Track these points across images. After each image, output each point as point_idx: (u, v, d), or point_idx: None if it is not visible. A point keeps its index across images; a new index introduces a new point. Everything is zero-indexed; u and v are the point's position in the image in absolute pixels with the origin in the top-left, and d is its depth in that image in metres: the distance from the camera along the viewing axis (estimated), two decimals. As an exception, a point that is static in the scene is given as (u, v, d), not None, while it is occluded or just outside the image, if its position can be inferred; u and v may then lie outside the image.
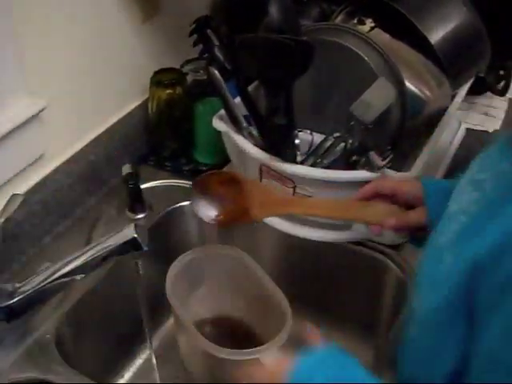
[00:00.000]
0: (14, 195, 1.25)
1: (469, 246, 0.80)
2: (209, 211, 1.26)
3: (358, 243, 1.42)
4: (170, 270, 1.25)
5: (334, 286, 1.51)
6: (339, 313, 1.54)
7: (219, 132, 1.47)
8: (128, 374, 1.46)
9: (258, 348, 1.11)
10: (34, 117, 1.31)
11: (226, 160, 1.59)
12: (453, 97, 1.58)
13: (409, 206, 1.14)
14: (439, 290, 0.85)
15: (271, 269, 1.52)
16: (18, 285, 1.17)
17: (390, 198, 1.16)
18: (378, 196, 1.17)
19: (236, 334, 1.33)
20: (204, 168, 1.64)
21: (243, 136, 1.41)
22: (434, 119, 1.49)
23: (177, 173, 1.63)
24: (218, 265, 1.31)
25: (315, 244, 1.41)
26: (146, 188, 1.54)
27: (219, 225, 1.26)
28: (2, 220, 1.20)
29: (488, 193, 0.85)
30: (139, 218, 1.47)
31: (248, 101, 1.41)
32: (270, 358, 1.07)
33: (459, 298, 0.81)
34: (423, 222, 1.12)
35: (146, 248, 1.12)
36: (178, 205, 1.54)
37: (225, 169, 1.60)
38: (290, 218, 1.41)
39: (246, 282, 1.26)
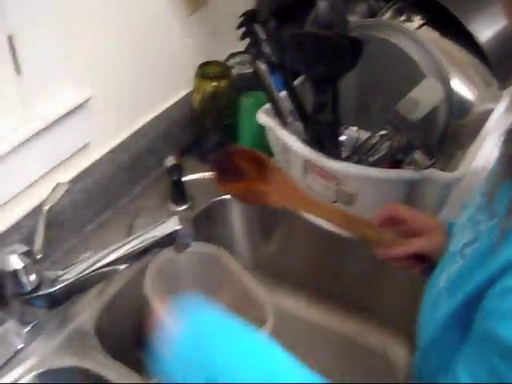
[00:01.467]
0: (59, 184, 1.25)
1: (460, 291, 0.79)
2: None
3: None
4: (149, 268, 1.25)
5: (371, 285, 1.49)
6: (376, 312, 1.53)
7: (263, 126, 1.47)
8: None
9: None
10: (81, 106, 1.32)
11: (269, 155, 1.58)
12: (500, 97, 1.56)
13: (414, 234, 1.14)
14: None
15: (308, 264, 1.52)
16: (60, 272, 1.17)
17: (401, 224, 1.15)
18: (391, 220, 1.16)
19: None
20: (247, 162, 1.63)
21: (288, 131, 1.40)
22: (481, 119, 1.47)
23: (220, 166, 1.62)
24: (197, 263, 1.30)
25: (355, 241, 1.39)
26: (188, 180, 1.54)
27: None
28: (47, 208, 1.21)
29: (482, 236, 0.82)
30: (181, 210, 1.48)
31: (294, 96, 1.40)
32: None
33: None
34: (430, 249, 1.11)
35: (189, 241, 1.12)
36: (220, 198, 1.54)
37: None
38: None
39: (226, 280, 1.25)
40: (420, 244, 1.13)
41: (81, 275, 1.15)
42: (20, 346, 1.18)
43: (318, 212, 1.24)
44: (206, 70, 1.58)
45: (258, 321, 1.19)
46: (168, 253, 1.26)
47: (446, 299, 0.84)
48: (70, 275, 1.15)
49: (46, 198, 1.23)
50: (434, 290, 0.88)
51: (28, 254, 1.13)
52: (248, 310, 1.27)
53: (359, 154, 1.38)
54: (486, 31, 1.47)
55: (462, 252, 0.80)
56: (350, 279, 1.50)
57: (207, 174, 1.60)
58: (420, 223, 1.14)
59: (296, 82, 1.48)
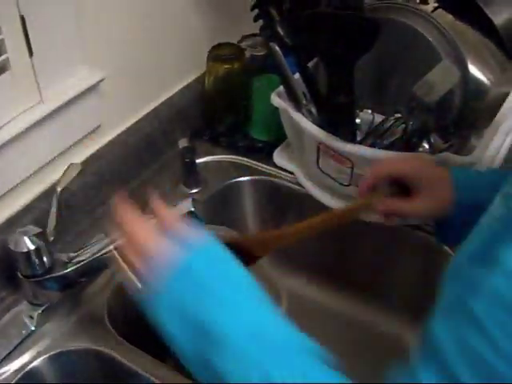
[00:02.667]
0: (71, 164, 1.25)
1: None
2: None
3: (415, 227, 1.40)
4: None
5: (386, 269, 1.49)
6: (389, 297, 1.52)
7: (276, 109, 1.46)
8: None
9: None
10: (93, 87, 1.31)
11: (282, 137, 1.57)
12: (516, 82, 1.54)
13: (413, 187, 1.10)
14: None
15: (320, 247, 1.51)
16: (72, 255, 1.17)
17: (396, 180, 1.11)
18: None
19: None
20: (260, 145, 1.63)
21: (302, 113, 1.39)
22: (497, 104, 1.46)
23: (232, 148, 1.62)
24: None
25: (370, 226, 1.38)
26: (201, 163, 1.53)
27: None
28: (60, 189, 1.20)
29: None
30: (193, 193, 1.47)
31: (308, 78, 1.39)
32: None
33: None
34: (420, 214, 1.10)
35: (203, 223, 1.11)
36: (233, 180, 1.54)
37: (280, 147, 1.58)
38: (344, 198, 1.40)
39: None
40: (406, 207, 1.10)
41: (93, 257, 1.14)
42: (32, 328, 1.18)
43: (298, 235, 1.15)
44: (218, 52, 1.57)
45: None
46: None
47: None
48: (83, 257, 1.15)
49: (59, 180, 1.22)
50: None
51: (40, 236, 1.13)
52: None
53: (374, 136, 1.37)
54: (502, 14, 1.45)
55: (491, 225, 0.77)
56: (362, 262, 1.50)
57: (219, 157, 1.59)
58: (409, 176, 1.10)
59: (310, 64, 1.47)
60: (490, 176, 1.09)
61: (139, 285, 0.85)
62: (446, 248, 1.35)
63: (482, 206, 0.98)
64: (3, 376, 1.12)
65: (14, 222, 1.22)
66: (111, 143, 1.44)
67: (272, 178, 1.54)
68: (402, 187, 1.12)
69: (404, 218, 1.15)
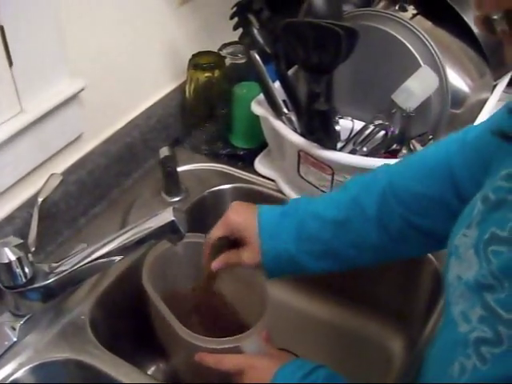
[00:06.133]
0: (52, 175, 1.25)
1: None
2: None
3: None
4: (147, 258, 1.25)
5: (369, 276, 1.49)
6: (373, 303, 1.53)
7: (257, 116, 1.46)
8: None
9: (237, 336, 1.12)
10: (73, 97, 1.31)
11: (263, 145, 1.58)
12: (494, 87, 1.55)
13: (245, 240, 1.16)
14: None
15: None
16: (54, 265, 1.16)
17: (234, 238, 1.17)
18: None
19: (219, 317, 1.33)
20: (241, 153, 1.63)
21: (282, 121, 1.39)
22: (476, 109, 1.47)
23: (213, 156, 1.62)
24: (193, 253, 1.30)
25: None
26: (182, 171, 1.53)
27: None
28: (41, 199, 1.20)
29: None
30: (175, 201, 1.47)
31: (288, 86, 1.40)
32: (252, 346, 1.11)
33: None
34: (257, 261, 1.14)
35: (184, 232, 1.11)
36: (214, 188, 1.53)
37: (261, 154, 1.59)
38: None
39: (223, 270, 1.24)
40: (246, 257, 1.15)
41: (75, 267, 1.14)
42: (14, 339, 1.17)
43: None
44: (199, 60, 1.57)
45: (256, 310, 1.19)
46: (164, 244, 1.25)
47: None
48: (65, 267, 1.15)
49: (40, 190, 1.22)
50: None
51: (22, 247, 1.12)
52: (246, 300, 1.27)
53: (354, 143, 1.37)
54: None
55: (486, 250, 0.78)
56: (347, 270, 1.50)
57: (201, 165, 1.59)
58: (241, 228, 1.16)
59: (290, 72, 1.48)
60: (292, 216, 1.14)
61: None
62: (430, 256, 1.35)
63: (287, 253, 1.11)
64: (-15, 388, 1.11)
65: (-5, 232, 1.22)
66: (92, 153, 1.43)
67: (253, 186, 1.54)
68: (232, 240, 1.18)
69: (235, 266, 1.20)
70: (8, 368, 1.14)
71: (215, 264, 1.17)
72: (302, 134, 1.36)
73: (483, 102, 1.49)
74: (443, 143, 1.06)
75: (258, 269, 1.15)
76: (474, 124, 1.40)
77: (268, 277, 1.17)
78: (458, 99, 1.44)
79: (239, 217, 1.16)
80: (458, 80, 1.46)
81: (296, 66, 1.52)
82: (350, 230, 1.08)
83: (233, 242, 1.17)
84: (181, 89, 1.64)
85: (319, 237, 1.10)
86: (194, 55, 1.58)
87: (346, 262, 1.12)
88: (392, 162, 1.26)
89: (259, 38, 1.37)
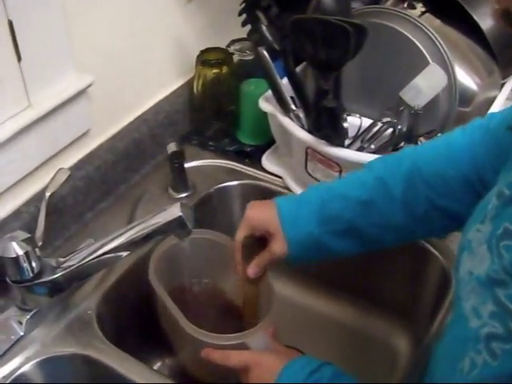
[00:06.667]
0: (60, 169, 1.25)
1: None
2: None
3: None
4: (154, 254, 1.25)
5: (375, 273, 1.49)
6: (379, 300, 1.53)
7: (264, 113, 1.46)
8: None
9: (244, 332, 1.12)
10: (82, 92, 1.31)
11: (270, 141, 1.58)
12: (502, 85, 1.55)
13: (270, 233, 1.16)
14: None
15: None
16: (61, 259, 1.17)
17: (260, 236, 1.18)
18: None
19: (226, 313, 1.34)
20: (248, 149, 1.63)
21: (290, 118, 1.39)
22: (484, 107, 1.47)
23: (220, 153, 1.62)
24: (200, 249, 1.30)
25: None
26: (189, 167, 1.53)
27: None
28: (49, 194, 1.20)
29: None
30: (182, 197, 1.47)
31: (296, 82, 1.40)
32: (258, 342, 1.11)
33: None
34: (286, 250, 1.14)
35: (191, 227, 1.11)
36: (221, 185, 1.53)
37: (269, 151, 1.59)
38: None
39: (230, 266, 1.24)
40: (276, 249, 1.15)
41: (83, 262, 1.14)
42: (21, 334, 1.17)
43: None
44: (207, 57, 1.57)
45: (262, 307, 1.19)
46: (171, 239, 1.25)
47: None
48: (72, 262, 1.15)
49: (48, 185, 1.22)
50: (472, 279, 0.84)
51: (29, 241, 1.12)
52: (250, 295, 1.27)
53: (361, 141, 1.37)
54: (488, 19, 1.46)
55: (499, 245, 0.78)
56: (352, 266, 1.50)
57: (208, 162, 1.59)
58: (265, 223, 1.16)
59: (298, 69, 1.47)
60: (312, 201, 1.14)
61: None
62: (436, 253, 1.35)
63: (309, 235, 1.11)
64: (-8, 382, 1.12)
65: (3, 227, 1.22)
66: (99, 148, 1.43)
67: (260, 183, 1.54)
68: (257, 237, 1.18)
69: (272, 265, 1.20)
70: (15, 362, 1.14)
71: (252, 270, 1.17)
72: (309, 131, 1.36)
73: (491, 101, 1.49)
74: (468, 128, 1.07)
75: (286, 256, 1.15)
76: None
77: (295, 262, 1.16)
78: (466, 97, 1.44)
79: (259, 213, 1.17)
80: (466, 78, 1.45)
81: (304, 63, 1.52)
82: (375, 209, 1.08)
83: (260, 241, 1.17)
84: (188, 85, 1.64)
85: (342, 216, 1.10)
86: (202, 51, 1.58)
87: (369, 242, 1.13)
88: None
89: (267, 35, 1.37)
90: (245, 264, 1.18)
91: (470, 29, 1.45)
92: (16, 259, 1.11)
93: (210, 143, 1.64)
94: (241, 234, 1.17)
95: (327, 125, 1.30)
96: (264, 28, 1.38)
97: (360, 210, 1.09)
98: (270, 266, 1.19)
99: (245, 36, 1.46)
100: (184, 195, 1.48)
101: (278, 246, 1.13)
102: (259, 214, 1.16)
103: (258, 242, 1.18)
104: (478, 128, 1.05)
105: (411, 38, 1.38)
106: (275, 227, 1.13)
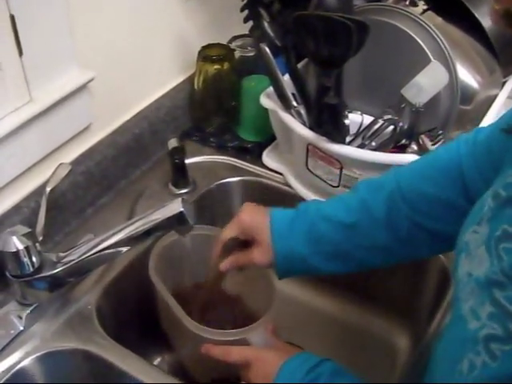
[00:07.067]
0: (61, 164, 1.25)
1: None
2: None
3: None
4: (154, 249, 1.25)
5: (375, 272, 1.48)
6: (379, 298, 1.53)
7: (265, 109, 1.46)
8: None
9: (244, 328, 1.12)
10: (83, 87, 1.31)
11: (271, 138, 1.58)
12: (503, 84, 1.55)
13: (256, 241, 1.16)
14: None
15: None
16: (61, 254, 1.17)
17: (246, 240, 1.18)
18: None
19: (226, 310, 1.34)
20: (249, 145, 1.62)
21: (291, 114, 1.39)
22: (485, 106, 1.47)
23: (221, 149, 1.62)
24: (201, 245, 1.30)
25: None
26: (190, 163, 1.53)
27: None
28: (49, 189, 1.20)
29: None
30: (182, 193, 1.47)
31: (297, 79, 1.39)
32: (259, 338, 1.11)
33: None
34: (268, 261, 1.14)
35: (192, 223, 1.11)
36: (222, 181, 1.53)
37: (269, 147, 1.59)
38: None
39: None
40: (256, 257, 1.15)
41: (83, 257, 1.14)
42: (21, 328, 1.17)
43: None
44: (208, 53, 1.57)
45: (263, 304, 1.19)
46: (172, 235, 1.25)
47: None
48: (72, 257, 1.15)
49: (49, 180, 1.22)
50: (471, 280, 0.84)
51: (29, 236, 1.12)
52: (252, 293, 1.27)
53: (363, 138, 1.37)
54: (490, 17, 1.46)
55: (498, 247, 0.78)
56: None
57: (209, 158, 1.59)
58: (254, 227, 1.16)
59: (299, 66, 1.47)
60: (304, 219, 1.14)
61: None
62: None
63: (298, 253, 1.11)
64: (-9, 376, 1.12)
65: (3, 221, 1.22)
66: (100, 143, 1.43)
67: (261, 179, 1.54)
68: (242, 241, 1.18)
69: (243, 268, 1.21)
70: (14, 356, 1.14)
71: (224, 265, 1.17)
72: (310, 128, 1.35)
73: (492, 99, 1.49)
74: (454, 145, 1.06)
75: (267, 269, 1.16)
76: (483, 122, 1.41)
77: (279, 277, 1.17)
78: (467, 95, 1.44)
79: (251, 217, 1.16)
80: (467, 76, 1.45)
81: (306, 60, 1.52)
82: (360, 232, 1.08)
83: (243, 243, 1.17)
84: (190, 81, 1.64)
85: (330, 238, 1.10)
86: (203, 47, 1.58)
87: (356, 264, 1.13)
88: (401, 157, 1.26)
89: (269, 31, 1.37)
90: (220, 260, 1.18)
91: (472, 27, 1.45)
92: (16, 254, 1.11)
93: (211, 139, 1.64)
94: (228, 233, 1.17)
95: (328, 121, 1.30)
96: (266, 24, 1.37)
97: (346, 232, 1.09)
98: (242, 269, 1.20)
99: (246, 32, 1.45)
100: (184, 191, 1.48)
101: (260, 256, 1.14)
102: (251, 219, 1.16)
103: (240, 245, 1.18)
104: (464, 142, 1.04)
105: (413, 35, 1.38)
106: (263, 237, 1.13)
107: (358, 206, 1.09)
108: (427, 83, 1.31)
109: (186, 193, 1.47)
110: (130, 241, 1.14)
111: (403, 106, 1.32)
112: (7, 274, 1.15)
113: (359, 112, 1.43)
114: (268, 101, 1.44)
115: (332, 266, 1.12)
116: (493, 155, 0.94)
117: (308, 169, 1.41)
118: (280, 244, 1.12)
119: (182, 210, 1.09)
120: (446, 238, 0.98)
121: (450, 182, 1.02)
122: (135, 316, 1.37)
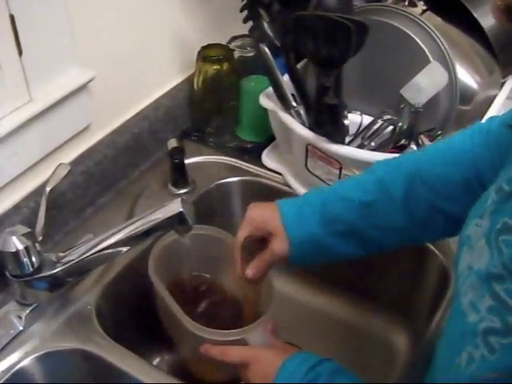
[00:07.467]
0: (60, 164, 1.25)
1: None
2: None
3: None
4: (154, 249, 1.25)
5: (374, 271, 1.49)
6: (378, 297, 1.53)
7: (265, 110, 1.46)
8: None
9: (243, 328, 1.12)
10: (83, 87, 1.31)
11: (270, 138, 1.58)
12: (502, 84, 1.55)
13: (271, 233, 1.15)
14: None
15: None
16: (61, 254, 1.17)
17: (261, 237, 1.17)
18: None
19: (225, 310, 1.33)
20: (248, 146, 1.63)
21: (290, 115, 1.39)
22: (484, 106, 1.47)
23: (220, 149, 1.62)
24: (200, 245, 1.30)
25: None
26: (189, 163, 1.53)
27: None
28: (49, 189, 1.20)
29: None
30: (182, 193, 1.47)
31: (297, 79, 1.39)
32: (257, 338, 1.11)
33: None
34: (287, 249, 1.14)
35: (192, 223, 1.11)
36: (221, 181, 1.53)
37: (269, 148, 1.59)
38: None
39: (229, 262, 1.23)
40: (277, 248, 1.15)
41: (82, 257, 1.14)
42: (20, 328, 1.17)
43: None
44: (208, 53, 1.57)
45: (262, 304, 1.19)
46: (171, 235, 1.25)
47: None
48: (72, 257, 1.15)
49: (48, 179, 1.22)
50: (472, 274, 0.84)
51: (29, 236, 1.12)
52: (251, 293, 1.27)
53: (362, 138, 1.37)
54: (489, 18, 1.46)
55: (498, 240, 0.78)
56: (351, 263, 1.50)
57: (208, 158, 1.59)
58: (267, 222, 1.16)
59: (299, 66, 1.47)
60: (314, 203, 1.14)
61: None
62: (435, 250, 1.35)
63: (312, 235, 1.12)
64: (-9, 376, 1.12)
65: (3, 221, 1.22)
66: (100, 143, 1.43)
67: (260, 179, 1.54)
68: (257, 239, 1.18)
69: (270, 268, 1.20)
70: (14, 356, 1.14)
71: (250, 271, 1.16)
72: (310, 128, 1.35)
73: (491, 99, 1.49)
74: (469, 133, 1.07)
75: (287, 257, 1.15)
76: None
77: (294, 262, 1.16)
78: (466, 96, 1.44)
79: (260, 213, 1.17)
80: (466, 76, 1.45)
81: (305, 60, 1.52)
82: (376, 212, 1.09)
83: (259, 242, 1.17)
84: (189, 81, 1.64)
85: (344, 218, 1.10)
86: (202, 47, 1.58)
87: (370, 244, 1.13)
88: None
89: (269, 32, 1.37)
90: (243, 265, 1.18)
91: (471, 27, 1.45)
92: (16, 254, 1.11)
93: (210, 139, 1.64)
94: (241, 234, 1.17)
95: (328, 122, 1.30)
96: (265, 25, 1.38)
97: (361, 212, 1.09)
98: (270, 267, 1.18)
99: (246, 33, 1.46)
100: (184, 191, 1.48)
101: (279, 246, 1.13)
102: (260, 215, 1.16)
103: (258, 243, 1.18)
104: (479, 131, 1.05)
105: (412, 35, 1.38)
106: (276, 227, 1.13)
107: (375, 185, 1.09)
108: (426, 83, 1.31)
109: (185, 193, 1.47)
110: (130, 241, 1.14)
111: (402, 106, 1.32)
112: (7, 273, 1.15)
113: (359, 112, 1.43)
114: (267, 101, 1.44)
115: (346, 245, 1.12)
116: (502, 147, 0.95)
117: (307, 169, 1.41)
118: (292, 230, 1.12)
119: (181, 210, 1.09)
120: (462, 220, 0.98)
121: (466, 168, 1.04)
122: (135, 316, 1.37)
